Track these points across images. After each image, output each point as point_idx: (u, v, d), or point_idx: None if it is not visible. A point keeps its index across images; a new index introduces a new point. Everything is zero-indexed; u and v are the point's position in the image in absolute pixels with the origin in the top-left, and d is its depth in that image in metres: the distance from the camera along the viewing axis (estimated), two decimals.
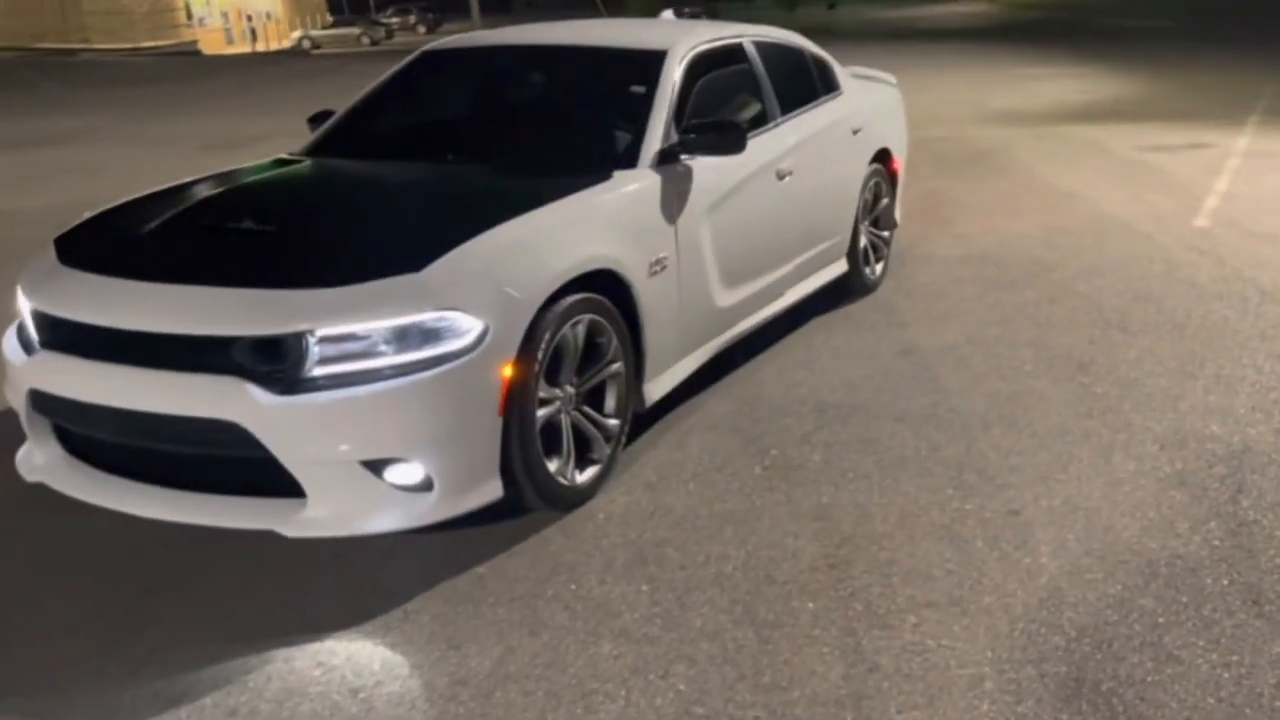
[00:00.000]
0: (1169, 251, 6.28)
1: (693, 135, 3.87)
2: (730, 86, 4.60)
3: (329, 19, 50.56)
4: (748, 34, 4.83)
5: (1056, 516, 3.24)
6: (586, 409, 3.46)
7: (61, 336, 3.13)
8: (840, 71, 5.56)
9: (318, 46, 42.22)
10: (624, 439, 3.63)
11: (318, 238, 3.27)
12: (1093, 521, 3.21)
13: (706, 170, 4.00)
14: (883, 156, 5.71)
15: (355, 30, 45.18)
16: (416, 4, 55.67)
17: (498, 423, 3.03)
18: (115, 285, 3.07)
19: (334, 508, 2.91)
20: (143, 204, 3.67)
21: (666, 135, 3.92)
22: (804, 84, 5.19)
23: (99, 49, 38.56)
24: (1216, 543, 3.07)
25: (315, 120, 4.61)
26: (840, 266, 5.42)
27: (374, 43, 43.67)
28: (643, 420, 3.96)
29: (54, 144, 12.60)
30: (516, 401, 3.06)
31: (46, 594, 3.01)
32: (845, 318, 5.32)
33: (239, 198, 3.78)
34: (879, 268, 5.84)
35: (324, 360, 2.85)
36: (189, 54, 37.78)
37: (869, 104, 5.62)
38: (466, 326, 2.94)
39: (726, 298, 4.20)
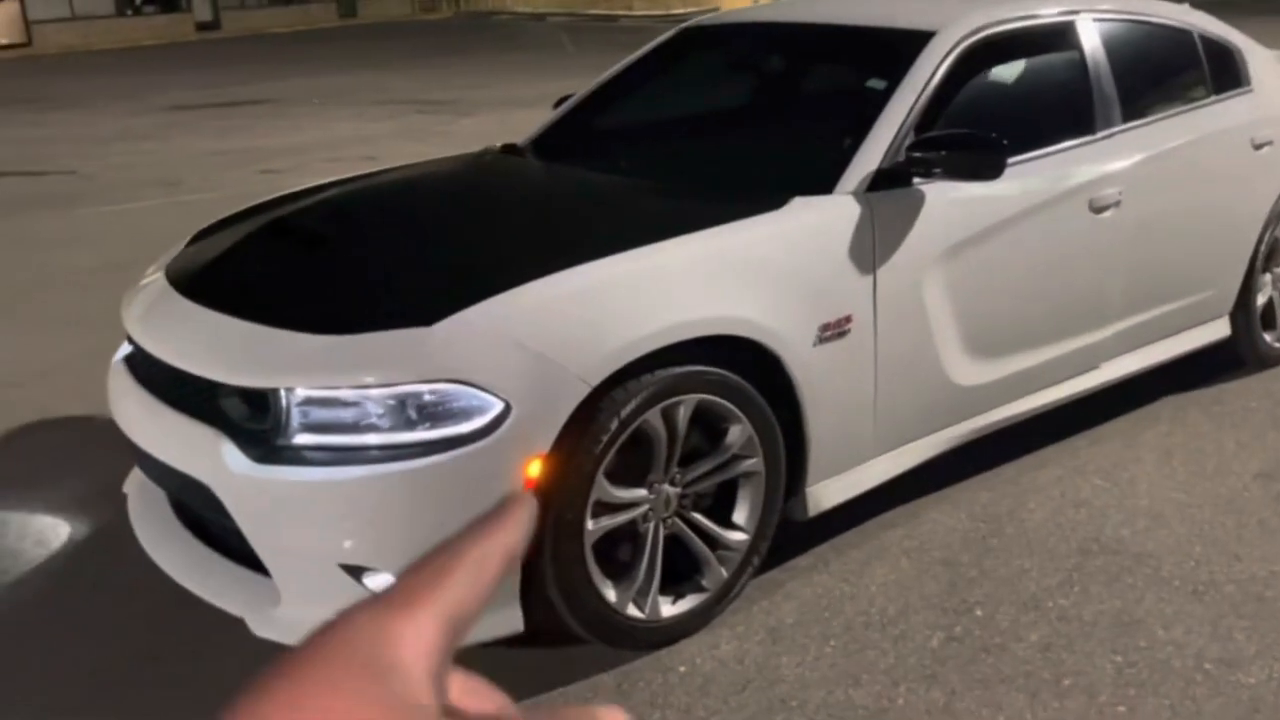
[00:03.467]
0: None
1: (921, 152, 2.78)
2: (1036, 85, 3.37)
3: None
4: (1090, 10, 3.50)
5: None
6: (698, 517, 2.60)
7: (128, 350, 2.86)
8: (1257, 61, 3.97)
9: None
10: (757, 560, 2.71)
11: (363, 266, 2.69)
12: None
13: (956, 199, 2.90)
14: None
15: None
16: None
17: None
18: (167, 302, 2.70)
19: (307, 611, 2.34)
20: (276, 203, 3.31)
21: (894, 150, 2.86)
22: (1180, 79, 3.75)
23: (637, 15, 41.40)
24: None
25: (559, 104, 4.03)
26: (1218, 330, 3.92)
27: None
28: (829, 523, 2.98)
29: (523, 106, 13.04)
30: (551, 509, 2.29)
31: (70, 624, 2.75)
32: (1213, 402, 3.83)
33: (360, 202, 3.26)
34: None
35: (308, 426, 2.27)
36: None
37: None
38: (478, 405, 2.21)
39: (973, 374, 3.06)
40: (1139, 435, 3.60)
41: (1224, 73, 3.85)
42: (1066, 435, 3.57)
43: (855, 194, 2.77)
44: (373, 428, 2.23)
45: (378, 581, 2.28)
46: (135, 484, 2.95)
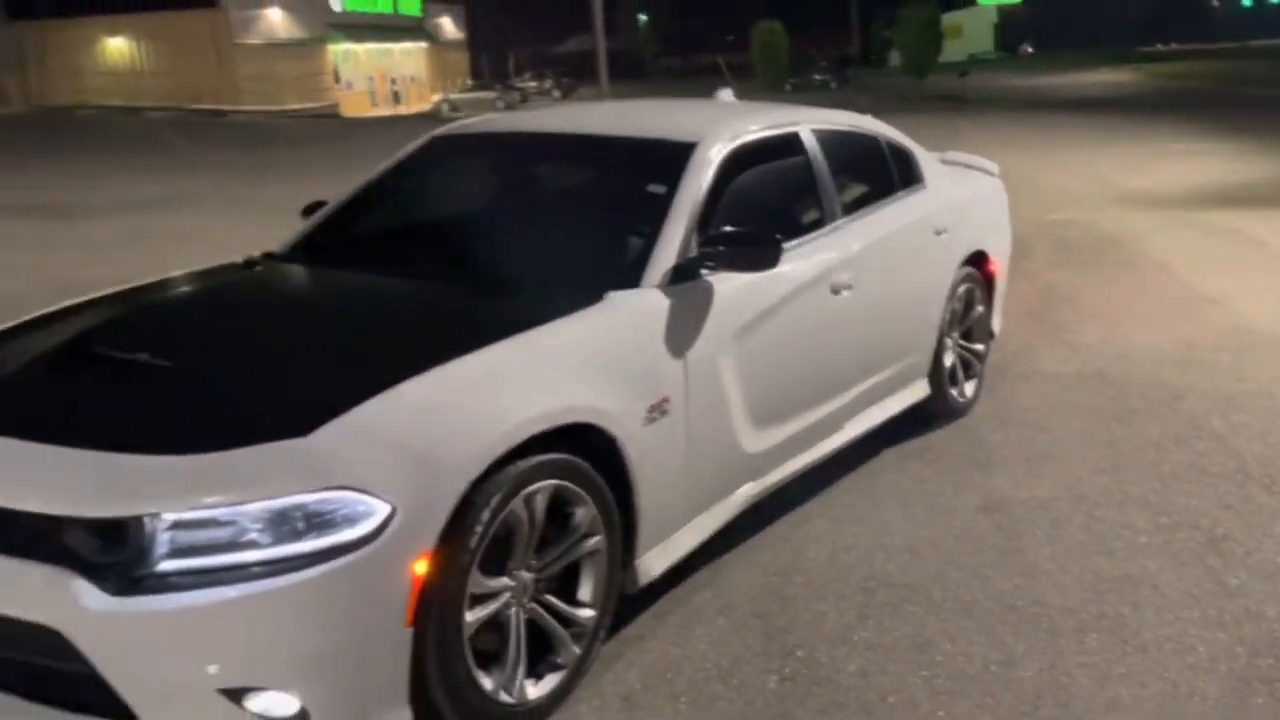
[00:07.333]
0: None
1: (712, 248, 3.15)
2: (779, 185, 3.87)
3: (469, 83, 52.11)
4: (808, 121, 4.08)
5: None
6: (550, 599, 2.73)
7: None
8: (926, 162, 4.76)
9: (456, 109, 42.08)
10: (603, 634, 2.88)
11: (203, 382, 2.63)
12: None
13: (735, 288, 3.27)
14: (976, 259, 4.87)
15: (491, 94, 45.70)
16: (554, 69, 56.80)
17: (406, 635, 2.32)
18: None
19: None
20: (50, 320, 3.12)
21: (685, 247, 3.20)
22: (876, 178, 4.42)
23: (248, 110, 40.06)
24: None
25: (309, 212, 4.04)
26: (920, 390, 4.59)
27: (508, 106, 43.85)
28: (644, 593, 3.20)
29: (159, 208, 12.51)
30: (435, 606, 2.35)
31: None
32: (923, 451, 4.47)
33: (152, 318, 3.16)
34: (970, 387, 4.97)
35: (176, 551, 2.19)
36: (329, 116, 39.32)
37: (959, 199, 4.80)
38: (365, 510, 2.25)
39: (758, 441, 3.43)
40: (876, 484, 4.13)
41: (906, 173, 4.59)
42: (819, 492, 4.03)
43: (660, 287, 3.07)
44: (251, 544, 2.19)
45: (259, 703, 2.23)
46: None
